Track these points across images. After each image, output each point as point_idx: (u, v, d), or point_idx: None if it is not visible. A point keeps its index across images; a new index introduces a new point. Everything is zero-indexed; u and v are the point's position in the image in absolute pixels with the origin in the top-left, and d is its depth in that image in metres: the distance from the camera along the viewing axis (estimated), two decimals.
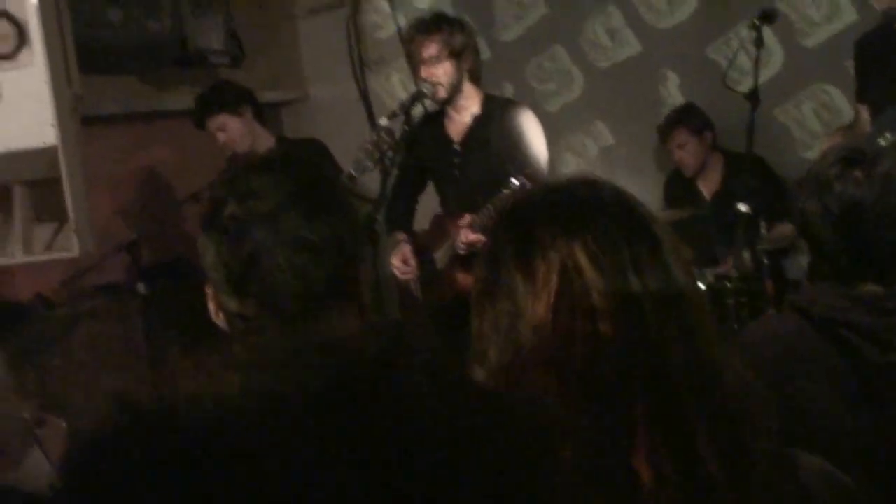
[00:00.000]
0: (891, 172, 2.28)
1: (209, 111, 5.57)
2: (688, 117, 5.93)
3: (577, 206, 1.42)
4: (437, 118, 5.16)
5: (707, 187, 5.95)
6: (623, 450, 1.32)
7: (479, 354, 1.40)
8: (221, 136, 5.54)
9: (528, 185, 4.47)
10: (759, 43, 4.98)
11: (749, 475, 1.34)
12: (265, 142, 5.66)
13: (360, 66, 7.19)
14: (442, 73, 4.89)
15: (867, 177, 2.27)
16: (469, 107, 5.03)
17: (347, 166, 4.72)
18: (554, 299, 1.34)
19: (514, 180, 4.50)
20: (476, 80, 5.03)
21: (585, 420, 1.31)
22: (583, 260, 1.35)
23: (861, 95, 5.05)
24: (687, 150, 5.89)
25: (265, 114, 5.95)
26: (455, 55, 4.88)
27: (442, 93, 4.92)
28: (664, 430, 1.33)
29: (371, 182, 4.75)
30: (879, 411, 2.22)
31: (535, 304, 1.35)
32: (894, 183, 2.25)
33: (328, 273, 1.72)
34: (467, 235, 4.82)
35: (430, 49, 4.88)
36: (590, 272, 1.35)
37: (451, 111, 5.07)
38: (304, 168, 1.83)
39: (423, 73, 4.91)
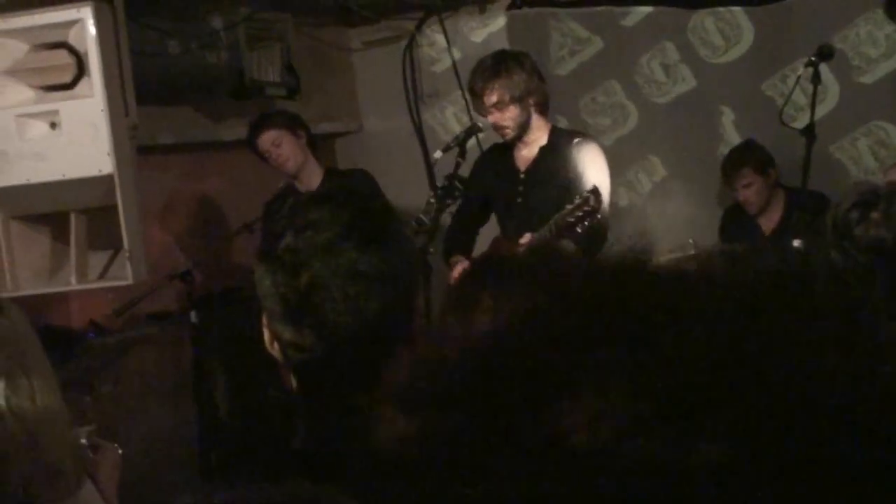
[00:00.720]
0: None
1: (266, 126, 5.66)
2: (752, 156, 5.83)
3: None
4: (504, 150, 5.23)
5: (767, 224, 5.88)
6: None
7: None
8: (275, 152, 5.63)
9: (594, 200, 4.51)
10: (815, 80, 4.95)
11: None
12: (314, 168, 5.74)
13: (415, 100, 7.25)
14: (507, 117, 4.97)
15: (885, 218, 2.26)
16: (537, 138, 5.11)
17: (400, 199, 4.75)
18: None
19: (582, 194, 4.53)
20: (543, 112, 5.10)
21: None
22: None
23: None
24: (752, 190, 5.78)
25: (318, 145, 6.00)
26: (517, 99, 4.94)
27: (510, 134, 5.02)
28: None
29: None
30: None
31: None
32: None
33: (382, 304, 1.73)
34: None
35: (493, 97, 4.95)
36: None
37: (518, 143, 5.13)
38: (360, 200, 1.86)
39: (490, 118, 5.00)
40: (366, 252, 1.74)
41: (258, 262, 1.80)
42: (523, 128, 5.03)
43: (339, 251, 1.73)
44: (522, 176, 5.15)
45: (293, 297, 1.74)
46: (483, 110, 5.02)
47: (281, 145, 5.65)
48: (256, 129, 5.73)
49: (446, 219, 5.23)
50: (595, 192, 4.57)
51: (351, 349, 1.73)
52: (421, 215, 4.59)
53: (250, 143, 5.74)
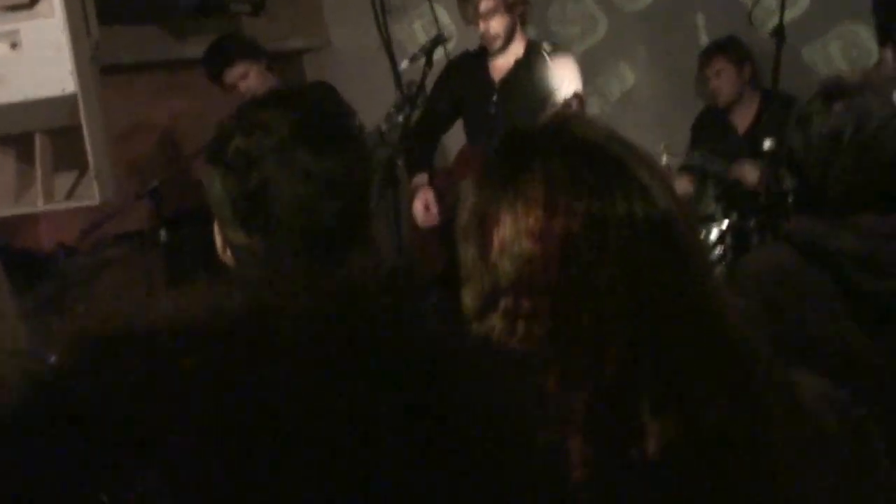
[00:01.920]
0: (869, 103, 2.30)
1: (231, 60, 5.52)
2: (728, 46, 5.84)
3: (559, 139, 1.41)
4: (478, 60, 5.20)
5: (741, 123, 5.86)
6: (612, 393, 1.29)
7: (469, 283, 1.38)
8: (243, 85, 5.49)
9: (577, 104, 4.50)
10: None
11: (757, 407, 1.32)
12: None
13: (383, 13, 7.16)
14: (498, 24, 4.94)
15: (846, 109, 2.29)
16: (514, 50, 5.08)
17: (369, 113, 4.70)
18: (537, 224, 1.33)
19: (565, 99, 4.53)
20: (524, 23, 5.09)
21: (566, 363, 1.30)
22: (564, 184, 1.34)
23: (883, 37, 4.97)
24: (723, 79, 5.78)
25: (285, 61, 5.93)
26: (510, 7, 4.93)
27: (499, 44, 4.98)
28: (661, 367, 1.30)
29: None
30: (874, 338, 2.24)
31: (518, 229, 1.34)
32: (872, 114, 2.28)
33: (337, 208, 1.69)
34: None
35: (489, 2, 4.90)
36: (571, 195, 1.33)
37: (495, 53, 5.10)
38: (313, 103, 1.80)
39: (481, 26, 4.96)
40: (319, 154, 1.68)
41: (207, 166, 1.75)
42: (509, 38, 5.02)
43: (290, 152, 1.67)
44: (497, 88, 5.12)
45: (243, 200, 1.70)
46: (471, 17, 4.99)
47: (248, 76, 5.52)
48: (219, 62, 5.55)
49: None
50: (578, 96, 4.56)
51: (301, 252, 1.69)
52: (381, 124, 4.55)
53: (214, 75, 5.57)
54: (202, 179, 1.74)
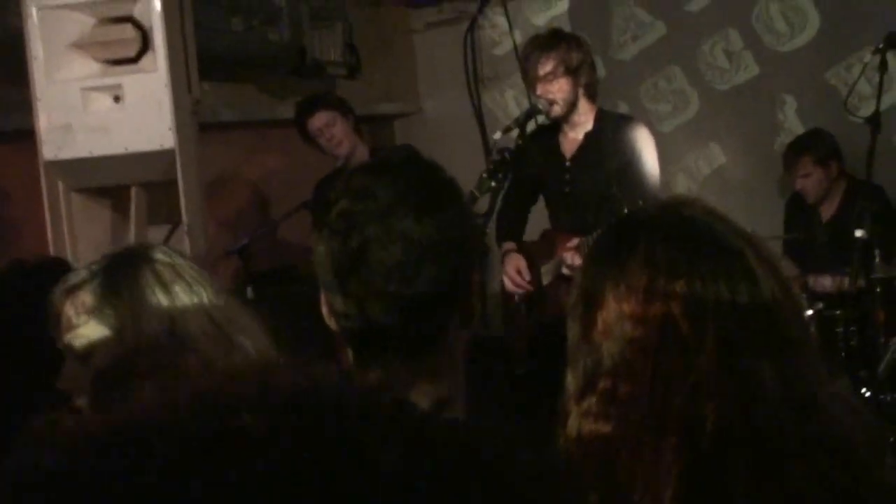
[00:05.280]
0: None
1: (318, 107, 5.62)
2: (814, 145, 5.76)
3: (665, 223, 1.42)
4: (551, 134, 5.12)
5: (826, 211, 5.80)
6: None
7: (571, 363, 1.39)
8: (328, 132, 5.57)
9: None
10: (882, 68, 4.87)
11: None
12: (364, 151, 5.69)
13: (475, 82, 7.23)
14: (557, 89, 4.85)
15: None
16: (583, 122, 4.98)
17: (458, 180, 4.71)
18: (639, 308, 1.34)
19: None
20: (592, 96, 4.98)
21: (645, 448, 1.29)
22: (664, 267, 1.35)
23: None
24: (810, 181, 5.71)
25: (378, 125, 5.99)
26: (571, 72, 4.84)
27: (558, 110, 4.89)
28: (751, 456, 1.29)
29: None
30: None
31: (621, 312, 1.35)
32: None
33: (440, 275, 1.67)
34: (574, 258, 4.76)
35: (547, 66, 4.84)
36: (670, 278, 1.34)
37: (565, 127, 5.03)
38: (419, 168, 1.80)
39: (539, 90, 4.88)
40: (422, 220, 1.66)
41: (314, 231, 1.75)
42: (572, 106, 4.92)
43: (394, 217, 1.66)
44: (568, 164, 5.04)
45: (345, 263, 1.68)
46: (533, 83, 4.94)
47: (335, 125, 5.61)
48: (307, 109, 5.66)
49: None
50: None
51: (403, 320, 1.68)
52: (473, 190, 4.54)
53: (300, 123, 5.67)
54: (312, 244, 1.75)
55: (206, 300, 2.16)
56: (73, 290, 2.18)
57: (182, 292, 2.14)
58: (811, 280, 5.41)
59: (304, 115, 5.67)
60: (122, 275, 2.16)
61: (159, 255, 2.20)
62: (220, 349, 2.08)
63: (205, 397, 0.62)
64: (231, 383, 0.63)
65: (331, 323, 1.76)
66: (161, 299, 2.12)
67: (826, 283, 5.36)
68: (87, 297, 2.16)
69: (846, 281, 4.94)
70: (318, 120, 5.61)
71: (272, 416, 0.59)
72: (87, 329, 2.15)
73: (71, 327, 2.17)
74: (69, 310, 2.17)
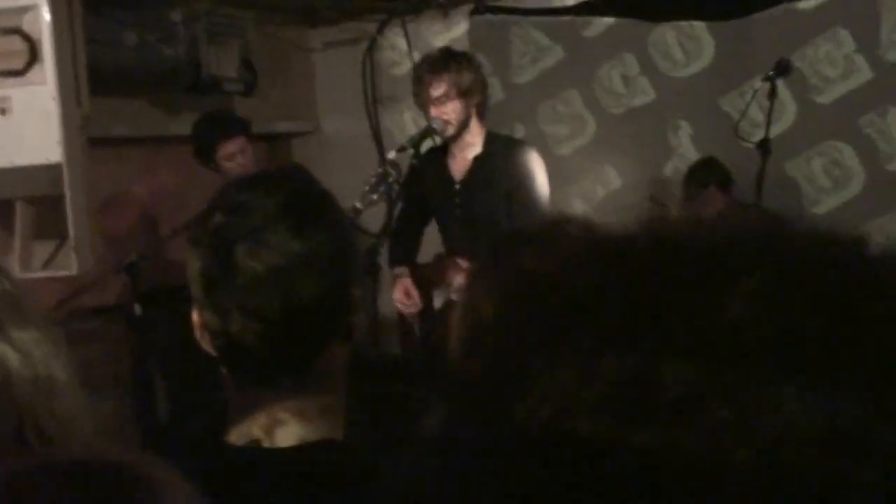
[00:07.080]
0: None
1: (231, 134, 5.48)
2: (715, 174, 5.84)
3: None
4: (440, 155, 5.12)
5: None
6: None
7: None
8: (239, 158, 5.43)
9: None
10: (772, 95, 4.97)
11: None
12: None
13: (374, 102, 7.22)
14: (451, 110, 4.86)
15: None
16: (474, 144, 4.99)
17: (354, 199, 4.69)
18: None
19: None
20: (482, 117, 5.00)
21: None
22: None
23: None
24: (713, 208, 5.79)
25: (275, 145, 5.95)
26: (463, 94, 4.86)
27: (451, 130, 4.90)
28: None
29: (376, 216, 4.73)
30: None
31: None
32: None
33: (315, 291, 1.65)
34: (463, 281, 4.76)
35: (439, 88, 4.84)
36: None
37: (453, 149, 5.03)
38: (296, 184, 1.77)
39: (433, 111, 4.88)
40: (296, 234, 1.64)
41: (188, 246, 1.71)
42: (463, 126, 4.93)
43: (267, 231, 1.63)
44: (458, 186, 5.03)
45: (214, 275, 1.65)
46: (426, 104, 4.94)
47: (246, 151, 5.48)
48: (222, 133, 5.48)
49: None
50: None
51: (277, 336, 1.64)
52: (355, 203, 4.52)
53: (209, 145, 5.48)
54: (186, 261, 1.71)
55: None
56: None
57: None
58: None
59: (216, 139, 5.48)
60: None
61: None
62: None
63: None
64: None
65: (203, 342, 1.72)
66: None
67: None
68: None
69: None
70: (234, 145, 5.46)
71: None
72: None
73: None
74: None
